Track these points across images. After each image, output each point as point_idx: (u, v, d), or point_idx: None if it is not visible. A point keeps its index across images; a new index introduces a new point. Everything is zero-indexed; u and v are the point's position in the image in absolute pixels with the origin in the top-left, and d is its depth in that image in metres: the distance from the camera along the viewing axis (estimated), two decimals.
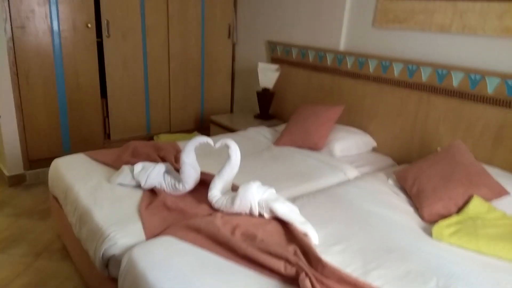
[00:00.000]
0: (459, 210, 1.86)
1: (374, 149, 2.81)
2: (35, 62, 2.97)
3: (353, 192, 2.04)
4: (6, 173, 3.08)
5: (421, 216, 1.88)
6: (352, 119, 2.94)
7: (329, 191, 2.05)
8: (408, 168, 2.16)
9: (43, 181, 3.14)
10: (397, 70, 2.61)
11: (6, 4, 2.77)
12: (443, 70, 2.37)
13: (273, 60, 3.64)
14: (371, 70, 2.77)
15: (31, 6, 2.85)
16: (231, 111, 4.35)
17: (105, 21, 3.21)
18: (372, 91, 2.79)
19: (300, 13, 3.32)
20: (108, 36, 3.27)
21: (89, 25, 3.11)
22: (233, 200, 1.73)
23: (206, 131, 3.94)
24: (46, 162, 3.16)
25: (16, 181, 3.11)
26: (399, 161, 2.66)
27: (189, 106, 3.98)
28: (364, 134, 2.79)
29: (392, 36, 2.69)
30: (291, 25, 3.43)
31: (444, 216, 1.83)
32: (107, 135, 3.57)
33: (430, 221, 1.85)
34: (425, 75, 2.47)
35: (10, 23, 2.81)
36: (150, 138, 3.75)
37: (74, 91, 3.21)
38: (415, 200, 1.97)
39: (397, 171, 2.20)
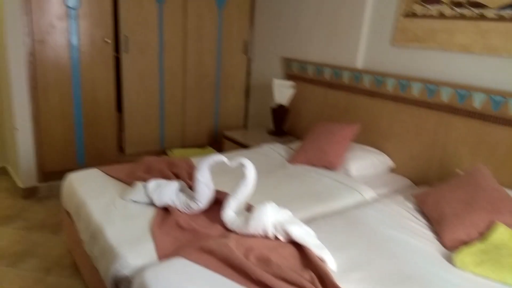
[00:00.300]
0: (482, 237, 1.79)
1: (391, 169, 2.74)
2: (53, 76, 3.01)
3: (371, 215, 1.98)
4: (20, 185, 3.09)
5: (442, 242, 1.81)
6: (368, 138, 2.88)
7: (346, 213, 1.99)
8: (428, 191, 2.10)
9: (56, 194, 3.13)
10: (416, 90, 2.56)
11: (27, 18, 2.81)
12: (464, 91, 2.32)
13: (288, 76, 3.62)
14: (389, 88, 2.73)
15: (51, 20, 2.90)
16: (245, 126, 4.33)
17: (124, 37, 3.25)
18: (389, 110, 2.74)
19: (316, 30, 3.31)
20: (126, 51, 3.30)
21: (108, 40, 3.15)
22: (247, 221, 1.69)
23: (219, 146, 3.92)
24: (59, 175, 3.15)
25: (30, 193, 3.12)
26: (417, 182, 2.59)
27: (203, 121, 3.97)
28: (381, 153, 2.73)
29: (412, 55, 2.65)
30: (307, 42, 3.42)
31: (466, 243, 1.76)
32: (121, 149, 3.58)
33: (451, 248, 1.77)
34: (445, 96, 2.41)
35: (30, 37, 2.86)
36: (163, 152, 3.74)
37: (90, 105, 3.23)
38: (436, 225, 1.90)
39: (417, 194, 2.14)
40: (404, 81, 2.62)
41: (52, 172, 3.19)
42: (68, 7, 2.93)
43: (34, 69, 2.93)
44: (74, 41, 3.02)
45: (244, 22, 3.93)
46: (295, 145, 3.07)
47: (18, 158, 3.01)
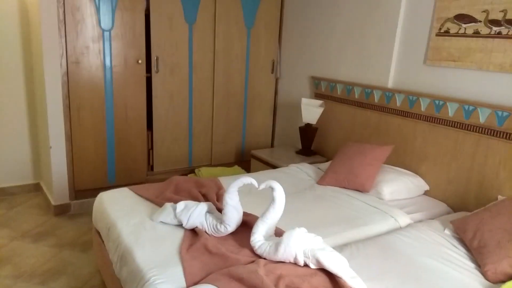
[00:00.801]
0: None
1: (426, 193, 2.63)
2: (86, 96, 3.09)
3: (407, 243, 1.89)
4: (53, 202, 3.16)
5: (484, 274, 1.70)
6: (401, 159, 2.79)
7: (379, 240, 1.91)
8: (467, 218, 1.99)
9: (87, 212, 3.19)
10: (451, 110, 2.47)
11: (63, 40, 2.92)
12: (503, 112, 2.21)
13: (317, 95, 3.59)
14: (422, 109, 2.64)
15: (86, 42, 3.00)
16: (272, 145, 4.30)
17: (155, 57, 3.32)
18: (423, 131, 2.65)
19: (346, 49, 3.28)
20: (157, 72, 3.36)
21: (140, 61, 3.22)
22: (277, 246, 1.64)
23: (246, 165, 3.90)
24: (90, 192, 3.22)
25: (61, 210, 3.18)
26: (454, 207, 2.47)
27: (230, 139, 3.98)
28: (415, 176, 2.63)
29: (446, 74, 2.57)
30: (336, 61, 3.39)
31: (511, 276, 1.65)
32: (150, 167, 3.62)
33: (494, 281, 1.66)
34: (483, 117, 2.31)
35: (66, 59, 2.96)
36: (191, 171, 3.76)
37: (122, 124, 3.29)
38: (477, 255, 1.79)
39: (455, 220, 2.03)
40: (439, 101, 2.53)
41: (83, 190, 3.25)
42: (102, 29, 3.03)
43: (68, 89, 3.02)
44: (108, 62, 3.11)
45: (272, 42, 3.95)
46: (324, 165, 3.02)
47: (51, 175, 3.09)
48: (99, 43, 3.05)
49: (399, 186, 2.51)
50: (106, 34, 3.05)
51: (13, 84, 3.35)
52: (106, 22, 3.03)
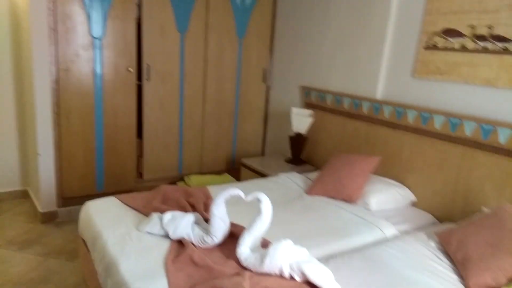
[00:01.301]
0: (510, 282, 1.69)
1: (413, 204, 2.66)
2: (76, 103, 3.08)
3: (392, 254, 1.90)
4: (40, 209, 3.14)
5: (467, 286, 1.72)
6: (388, 170, 2.81)
7: (365, 252, 1.92)
8: (451, 230, 2.01)
9: (74, 219, 3.15)
10: (438, 123, 2.50)
11: (53, 48, 2.91)
12: (488, 126, 2.25)
13: (307, 105, 3.62)
14: (410, 120, 2.67)
15: (76, 50, 2.99)
16: (263, 153, 4.31)
17: (146, 66, 3.32)
18: (410, 142, 2.68)
19: (336, 60, 3.31)
20: (148, 79, 3.36)
21: (131, 69, 3.22)
22: (262, 258, 1.65)
23: (236, 173, 3.91)
24: (78, 200, 3.20)
25: (48, 218, 3.16)
26: (440, 218, 2.49)
27: (221, 147, 3.98)
28: (402, 187, 2.66)
29: (433, 87, 2.60)
30: (326, 71, 3.42)
31: None
32: (139, 174, 3.61)
33: None
34: (468, 130, 2.35)
35: (56, 66, 2.95)
36: (181, 178, 3.75)
37: (112, 132, 3.28)
38: (460, 267, 1.81)
39: (440, 233, 2.05)
40: (426, 113, 2.57)
41: (71, 197, 3.23)
42: (93, 37, 3.03)
43: (58, 96, 3.01)
44: (98, 69, 3.11)
45: (264, 51, 3.98)
46: (313, 175, 3.03)
47: (39, 183, 3.07)
48: (90, 51, 3.04)
49: (386, 197, 2.54)
50: (97, 42, 3.05)
51: (2, 91, 3.34)
52: (97, 30, 3.03)
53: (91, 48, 3.04)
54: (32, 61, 2.87)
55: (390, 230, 2.24)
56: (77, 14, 2.93)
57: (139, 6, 3.21)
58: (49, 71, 2.93)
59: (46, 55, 2.89)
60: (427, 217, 2.49)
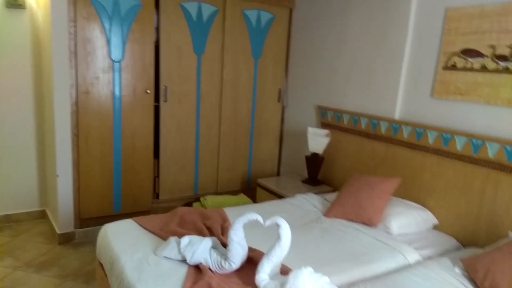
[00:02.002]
0: None
1: (435, 227, 2.58)
2: (95, 125, 3.12)
3: (416, 282, 1.84)
4: (58, 230, 3.15)
5: None
6: (408, 192, 2.75)
7: (388, 279, 1.86)
8: (477, 256, 1.94)
9: (91, 240, 3.17)
10: (459, 144, 2.45)
11: (74, 71, 2.98)
12: None
13: (323, 124, 3.59)
14: (430, 141, 2.62)
15: (96, 73, 3.05)
16: (278, 173, 4.29)
17: (164, 87, 3.36)
18: (431, 163, 2.62)
19: (352, 79, 3.30)
20: (165, 101, 3.40)
21: (148, 91, 3.26)
22: (282, 286, 1.61)
23: (252, 193, 3.88)
24: (95, 220, 3.22)
25: (66, 239, 3.17)
26: (464, 243, 2.41)
27: (236, 167, 3.97)
28: (424, 209, 2.59)
29: (454, 107, 2.56)
30: (342, 91, 3.40)
31: None
32: (156, 195, 3.61)
33: None
34: (492, 151, 2.29)
35: (76, 89, 3.01)
36: (196, 198, 3.74)
37: (129, 153, 3.31)
38: None
39: (465, 259, 1.98)
40: (447, 134, 2.52)
41: (88, 218, 3.24)
42: (113, 60, 3.09)
43: (77, 118, 3.05)
44: (117, 92, 3.15)
45: (279, 71, 4.00)
46: (331, 196, 2.98)
47: (57, 204, 3.09)
48: (109, 73, 3.10)
49: (407, 220, 2.47)
50: (116, 65, 3.11)
51: (23, 113, 3.41)
52: (116, 54, 3.09)
53: (111, 71, 3.10)
54: (53, 84, 2.93)
55: (412, 256, 2.17)
56: (97, 38, 3.00)
57: (157, 30, 3.27)
58: (69, 94, 2.98)
59: (66, 78, 2.95)
60: (451, 241, 2.42)
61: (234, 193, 3.93)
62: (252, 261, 1.88)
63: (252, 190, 3.96)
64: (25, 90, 3.38)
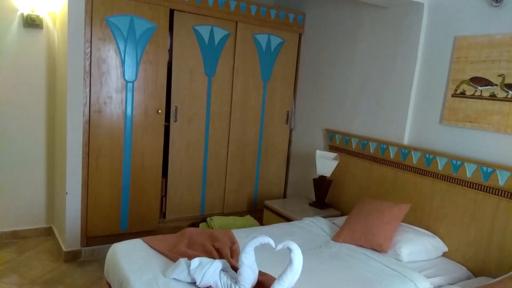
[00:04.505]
0: None
1: (445, 255, 2.56)
2: (106, 143, 3.15)
3: None
4: (64, 248, 3.14)
5: None
6: (418, 218, 2.74)
7: None
8: (490, 286, 1.91)
9: (97, 259, 3.15)
10: (469, 171, 2.45)
11: (87, 90, 3.03)
12: None
13: (331, 148, 3.61)
14: (439, 167, 2.63)
15: (110, 93, 3.10)
16: (285, 195, 4.28)
17: (174, 107, 3.41)
18: (441, 190, 2.62)
19: (360, 103, 3.33)
20: (175, 121, 3.44)
21: (160, 111, 3.31)
22: None
23: (258, 214, 3.86)
24: (101, 239, 3.21)
25: (72, 257, 3.15)
26: (474, 271, 2.39)
27: (243, 188, 3.98)
28: (434, 237, 2.57)
29: (463, 134, 2.57)
30: (350, 115, 3.43)
31: None
32: (162, 214, 3.60)
33: None
34: (502, 179, 2.29)
35: (88, 107, 3.05)
36: (203, 219, 3.73)
37: (138, 171, 3.32)
38: None
39: None
40: (456, 161, 2.53)
41: (95, 237, 3.23)
42: (126, 80, 3.14)
43: (88, 137, 3.08)
44: (129, 111, 3.20)
45: (287, 94, 4.05)
46: (339, 220, 2.97)
47: (65, 221, 3.09)
48: (122, 93, 3.15)
49: (418, 247, 2.45)
50: (130, 85, 3.16)
51: (35, 130, 3.44)
52: (130, 74, 3.15)
53: (124, 90, 3.15)
54: (66, 102, 2.97)
55: (423, 284, 2.14)
56: (112, 59, 3.07)
57: (170, 51, 3.34)
58: (82, 112, 3.03)
59: (80, 97, 3.00)
60: (461, 270, 2.39)
61: (240, 214, 3.92)
62: (262, 285, 1.87)
63: (258, 211, 3.95)
64: (38, 108, 3.43)
